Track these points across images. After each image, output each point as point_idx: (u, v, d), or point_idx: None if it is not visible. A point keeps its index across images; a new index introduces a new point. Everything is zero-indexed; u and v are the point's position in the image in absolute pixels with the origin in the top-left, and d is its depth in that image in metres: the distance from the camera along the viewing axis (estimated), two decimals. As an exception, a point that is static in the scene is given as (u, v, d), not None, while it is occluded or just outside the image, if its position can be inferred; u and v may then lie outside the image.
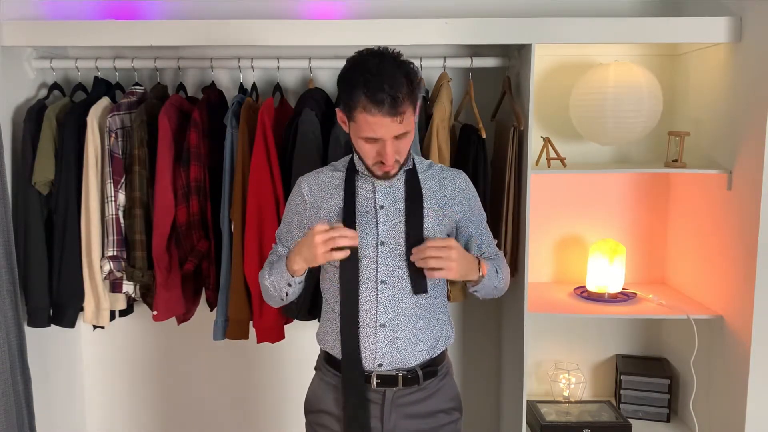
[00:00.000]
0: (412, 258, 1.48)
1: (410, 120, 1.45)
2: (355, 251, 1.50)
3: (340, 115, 1.51)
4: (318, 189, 1.60)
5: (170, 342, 2.60)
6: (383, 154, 1.45)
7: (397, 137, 1.44)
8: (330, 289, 1.60)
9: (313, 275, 1.67)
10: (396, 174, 1.53)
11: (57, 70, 2.34)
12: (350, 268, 1.52)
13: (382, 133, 1.42)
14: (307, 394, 1.69)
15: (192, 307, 2.34)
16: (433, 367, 1.60)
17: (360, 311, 1.54)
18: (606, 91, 2.13)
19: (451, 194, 1.60)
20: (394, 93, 1.37)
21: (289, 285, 1.57)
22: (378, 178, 1.53)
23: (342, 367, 1.55)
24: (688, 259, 2.32)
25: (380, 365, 1.54)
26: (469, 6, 2.35)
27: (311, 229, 1.46)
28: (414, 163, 1.59)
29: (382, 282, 1.53)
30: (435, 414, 1.60)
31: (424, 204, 1.55)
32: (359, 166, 1.56)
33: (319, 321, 2.15)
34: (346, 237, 1.43)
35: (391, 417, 1.57)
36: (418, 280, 1.52)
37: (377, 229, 1.54)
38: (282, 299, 1.62)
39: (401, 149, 1.48)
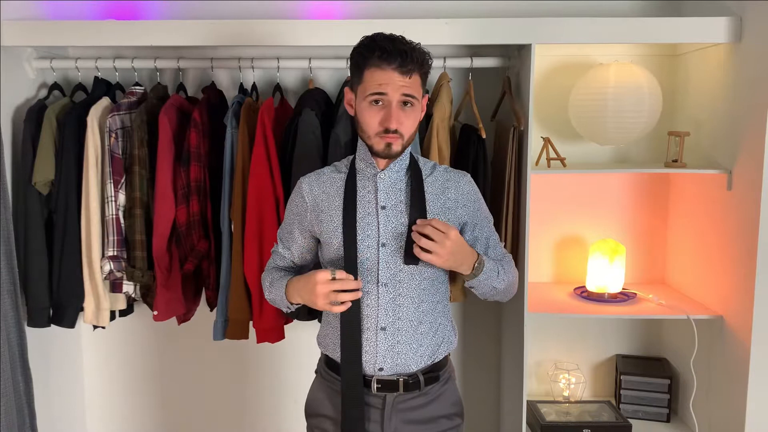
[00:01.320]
0: (413, 227, 1.47)
1: (418, 89, 1.46)
2: (353, 255, 1.51)
3: (348, 95, 1.53)
4: (319, 190, 1.59)
5: (170, 342, 2.60)
6: (388, 119, 1.44)
7: (403, 104, 1.45)
8: None
9: None
10: (398, 153, 1.50)
11: (57, 70, 2.34)
12: (351, 271, 1.51)
13: (389, 88, 1.42)
14: (308, 397, 1.69)
15: (192, 307, 2.35)
16: (434, 372, 1.59)
17: (361, 314, 1.53)
18: (607, 91, 2.13)
19: (455, 197, 1.58)
20: (405, 50, 1.41)
21: (288, 308, 1.63)
22: (380, 155, 1.50)
23: (341, 371, 1.54)
24: (688, 259, 2.32)
25: (381, 369, 1.53)
26: (469, 6, 2.35)
27: (314, 275, 1.46)
28: (418, 164, 1.58)
29: (384, 285, 1.52)
30: (436, 419, 1.59)
31: (428, 207, 1.54)
32: (360, 154, 1.55)
33: (319, 321, 2.16)
34: (349, 291, 1.46)
35: (391, 422, 1.56)
36: (411, 252, 1.49)
37: (378, 231, 1.52)
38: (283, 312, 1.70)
39: (405, 122, 1.46)
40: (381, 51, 1.42)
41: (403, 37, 1.46)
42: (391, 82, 1.42)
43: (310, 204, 1.59)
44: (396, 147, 1.48)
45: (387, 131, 1.45)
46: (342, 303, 1.46)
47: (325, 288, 1.44)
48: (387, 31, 1.48)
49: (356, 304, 1.52)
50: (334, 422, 1.59)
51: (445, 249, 1.43)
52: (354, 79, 1.50)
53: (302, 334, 2.48)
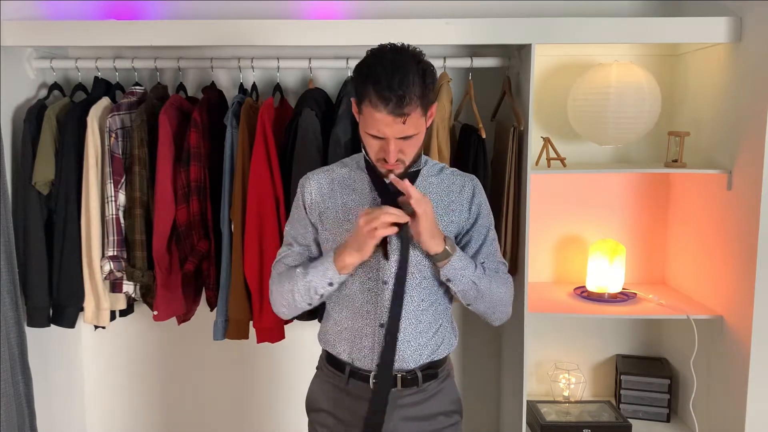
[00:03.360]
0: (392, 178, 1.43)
1: (418, 122, 1.42)
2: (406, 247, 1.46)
3: (354, 105, 1.49)
4: (328, 188, 1.58)
5: (170, 342, 2.60)
6: (386, 152, 1.43)
7: (401, 138, 1.42)
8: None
9: None
10: (402, 174, 1.49)
11: (57, 70, 2.34)
12: (400, 273, 1.49)
13: (384, 131, 1.40)
14: (308, 393, 1.69)
15: (192, 307, 2.35)
16: (433, 369, 1.59)
17: (361, 311, 1.54)
18: (609, 91, 2.12)
19: (459, 200, 1.57)
20: (402, 92, 1.35)
21: (330, 284, 1.50)
22: (382, 176, 1.51)
23: (377, 373, 1.51)
24: (688, 259, 2.32)
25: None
26: (469, 6, 2.35)
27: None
28: (422, 166, 1.57)
29: (384, 283, 1.52)
30: (435, 416, 1.59)
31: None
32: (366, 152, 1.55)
33: (319, 321, 2.16)
34: (390, 213, 1.40)
35: (391, 419, 1.55)
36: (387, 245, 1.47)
37: None
38: (310, 304, 1.55)
39: (406, 150, 1.45)
40: (378, 89, 1.36)
41: (406, 69, 1.37)
42: (387, 126, 1.39)
43: (317, 199, 1.57)
44: (397, 171, 1.48)
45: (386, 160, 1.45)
46: (388, 227, 1.40)
47: (366, 217, 1.40)
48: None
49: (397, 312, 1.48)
50: (334, 417, 1.60)
51: (428, 214, 1.42)
52: (356, 97, 1.45)
53: (302, 333, 2.48)
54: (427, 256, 1.51)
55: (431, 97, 1.43)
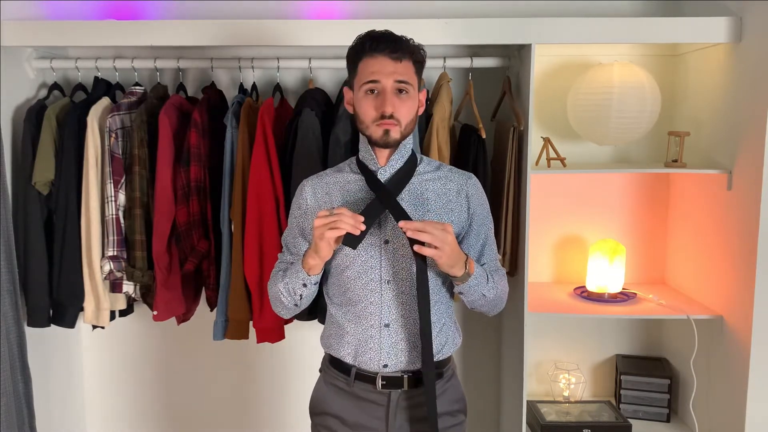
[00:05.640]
0: (401, 224, 1.40)
1: (412, 77, 1.48)
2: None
3: (347, 95, 1.54)
4: (323, 192, 1.58)
5: (170, 342, 2.60)
6: (383, 104, 1.45)
7: (398, 92, 1.46)
8: (335, 292, 1.59)
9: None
10: (397, 141, 1.49)
11: (57, 70, 2.34)
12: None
13: (381, 75, 1.44)
14: (312, 396, 1.68)
15: (192, 307, 2.34)
16: (438, 369, 1.58)
17: (365, 312, 1.53)
18: (611, 91, 2.12)
19: (457, 199, 1.57)
20: (394, 39, 1.47)
21: (304, 285, 1.51)
22: (379, 144, 1.50)
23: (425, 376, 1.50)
24: (688, 259, 2.32)
25: (385, 366, 1.53)
26: (469, 6, 2.35)
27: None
28: (415, 161, 1.57)
29: (387, 282, 1.52)
30: (441, 416, 1.58)
31: (429, 207, 1.54)
32: (362, 152, 1.55)
33: (319, 321, 2.16)
34: (347, 222, 1.37)
35: (396, 420, 1.55)
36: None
37: (380, 228, 1.52)
38: (296, 304, 1.57)
39: (400, 108, 1.47)
40: (371, 41, 1.47)
41: (399, 35, 1.49)
42: (382, 69, 1.45)
43: (313, 205, 1.58)
44: (394, 134, 1.48)
45: (383, 117, 1.46)
46: (338, 230, 1.38)
47: (321, 220, 1.39)
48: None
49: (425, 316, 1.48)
50: (338, 420, 1.59)
51: (447, 244, 1.40)
52: (350, 76, 1.53)
53: (302, 334, 2.48)
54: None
55: (419, 59, 1.51)
